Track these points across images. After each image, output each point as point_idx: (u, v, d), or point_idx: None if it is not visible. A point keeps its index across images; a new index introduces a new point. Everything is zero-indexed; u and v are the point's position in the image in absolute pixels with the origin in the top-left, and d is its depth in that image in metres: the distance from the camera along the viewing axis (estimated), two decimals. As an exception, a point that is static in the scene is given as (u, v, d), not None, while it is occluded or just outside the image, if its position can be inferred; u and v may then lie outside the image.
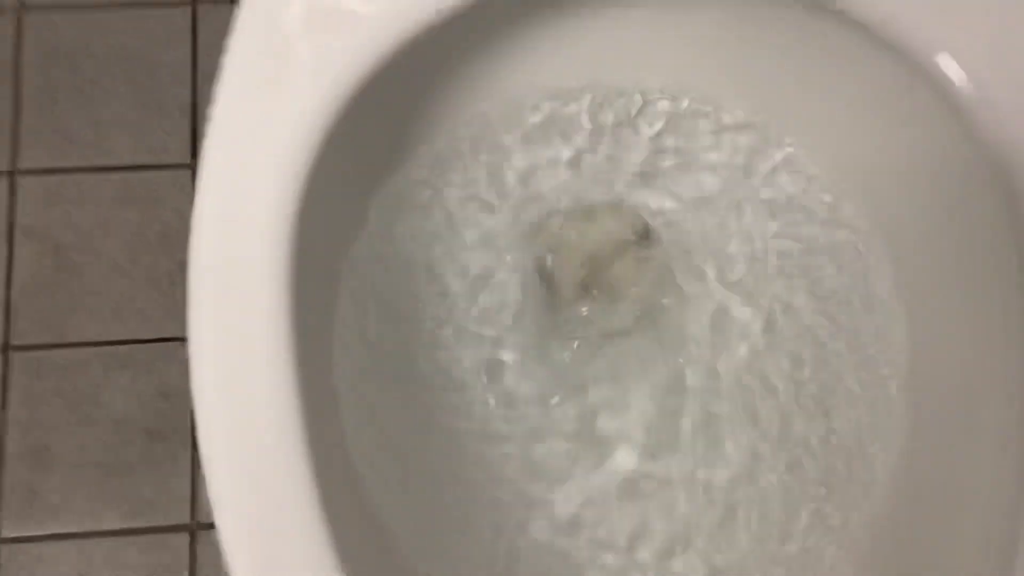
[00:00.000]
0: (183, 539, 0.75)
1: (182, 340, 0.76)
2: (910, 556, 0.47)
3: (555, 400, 0.53)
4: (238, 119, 0.40)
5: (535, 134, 0.55)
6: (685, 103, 0.53)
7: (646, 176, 0.55)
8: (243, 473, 0.38)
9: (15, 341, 0.78)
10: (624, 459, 0.52)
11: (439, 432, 0.52)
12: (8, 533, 0.74)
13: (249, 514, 0.38)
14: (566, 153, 0.55)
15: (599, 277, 0.57)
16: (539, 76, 0.53)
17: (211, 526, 0.73)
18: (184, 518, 0.76)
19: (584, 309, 0.55)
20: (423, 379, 0.52)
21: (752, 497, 0.52)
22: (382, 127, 0.48)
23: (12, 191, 0.81)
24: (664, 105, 0.54)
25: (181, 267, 0.80)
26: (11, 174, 0.81)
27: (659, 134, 0.54)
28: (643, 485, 0.52)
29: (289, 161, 0.40)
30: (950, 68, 0.40)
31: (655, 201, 0.55)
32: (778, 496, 0.51)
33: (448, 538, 0.50)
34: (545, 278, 0.57)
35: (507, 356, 0.54)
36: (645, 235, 0.56)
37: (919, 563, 0.46)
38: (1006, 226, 0.39)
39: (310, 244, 0.42)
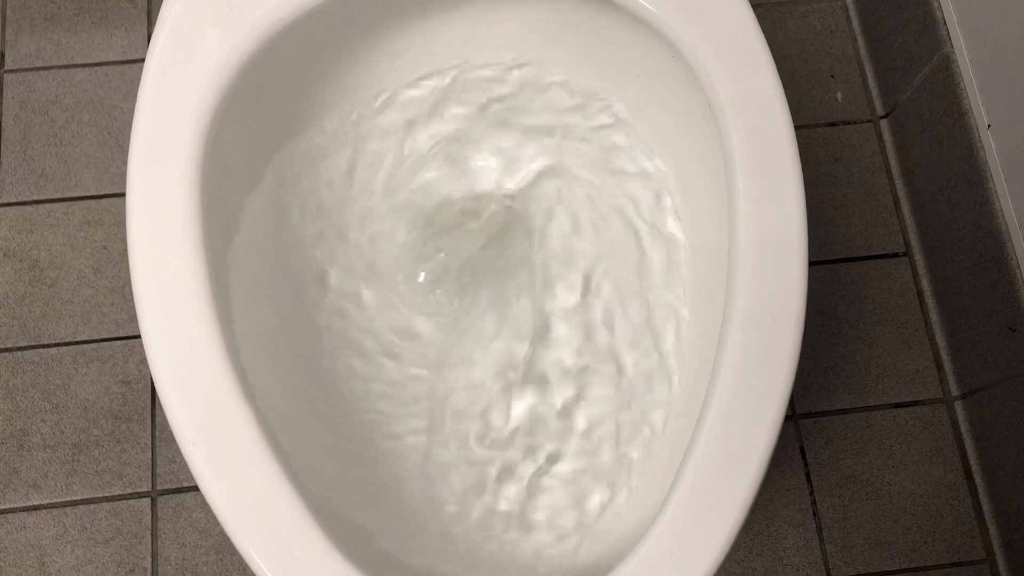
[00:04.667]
0: (145, 504, 0.87)
1: (140, 337, 0.90)
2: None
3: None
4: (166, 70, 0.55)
5: (417, 109, 0.70)
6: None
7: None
8: (167, 328, 0.51)
9: (-2, 345, 0.91)
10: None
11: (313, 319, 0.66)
12: (-7, 506, 0.86)
13: (168, 344, 0.51)
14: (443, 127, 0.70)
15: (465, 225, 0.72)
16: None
17: (169, 492, 0.86)
18: (146, 486, 0.88)
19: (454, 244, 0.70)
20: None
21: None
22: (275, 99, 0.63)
23: (-5, 220, 0.95)
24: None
25: (140, 277, 0.94)
26: (-6, 207, 0.96)
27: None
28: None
29: (198, 112, 0.54)
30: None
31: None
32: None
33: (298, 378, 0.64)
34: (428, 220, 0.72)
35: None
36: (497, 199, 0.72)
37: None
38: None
39: (217, 182, 0.56)
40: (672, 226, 0.66)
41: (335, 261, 0.68)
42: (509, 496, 0.65)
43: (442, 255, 0.69)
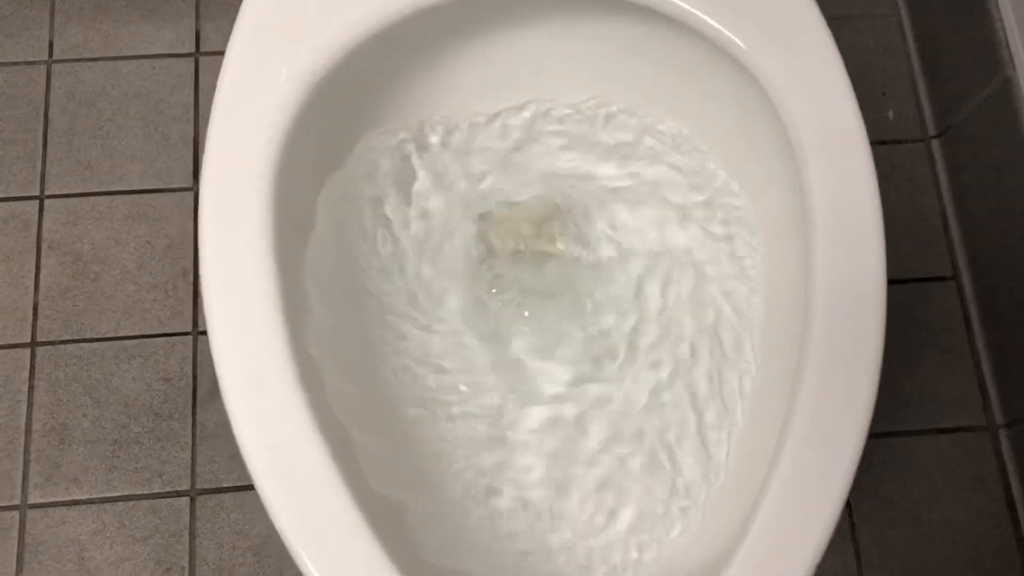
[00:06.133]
0: (184, 503, 0.87)
1: (183, 335, 0.91)
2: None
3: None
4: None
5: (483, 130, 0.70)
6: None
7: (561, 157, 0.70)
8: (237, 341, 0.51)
9: (40, 338, 0.91)
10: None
11: (381, 335, 0.66)
12: (35, 500, 0.86)
13: (238, 362, 0.51)
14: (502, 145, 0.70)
15: (525, 247, 0.71)
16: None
17: (208, 491, 0.86)
18: (185, 485, 0.88)
19: (511, 270, 0.70)
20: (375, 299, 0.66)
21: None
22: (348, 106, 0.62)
23: (40, 212, 0.95)
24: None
25: (183, 273, 0.94)
26: (39, 198, 0.95)
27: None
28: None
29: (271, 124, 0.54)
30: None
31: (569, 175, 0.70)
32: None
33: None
34: (485, 245, 0.71)
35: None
36: (555, 213, 0.71)
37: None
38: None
39: (291, 184, 0.55)
40: (749, 271, 0.65)
41: (400, 277, 0.67)
42: (553, 514, 0.64)
43: (504, 276, 0.69)
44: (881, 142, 1.01)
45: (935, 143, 1.01)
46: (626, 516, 0.64)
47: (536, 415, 0.65)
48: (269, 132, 0.54)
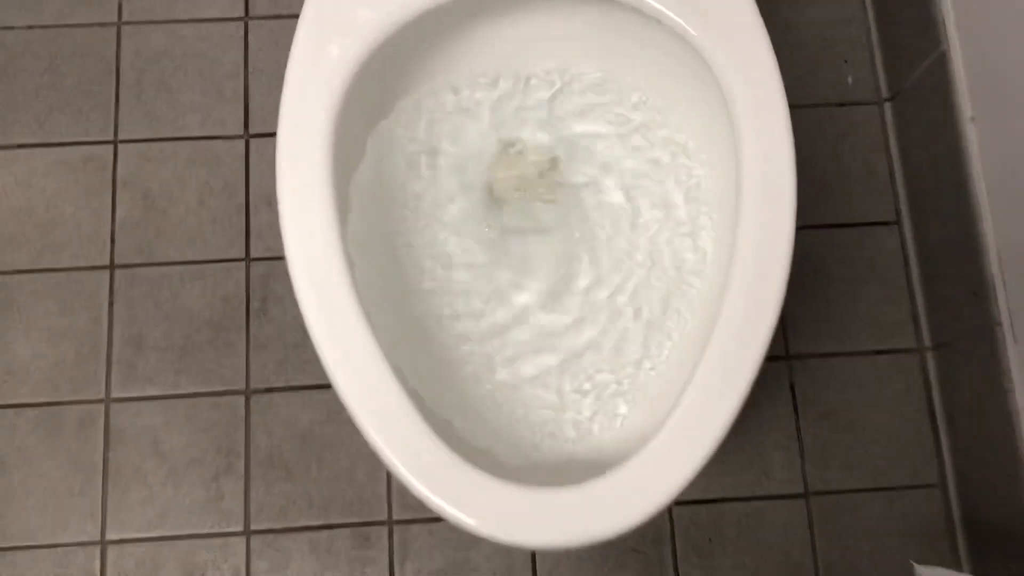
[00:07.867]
0: (240, 400, 1.04)
1: (237, 260, 1.07)
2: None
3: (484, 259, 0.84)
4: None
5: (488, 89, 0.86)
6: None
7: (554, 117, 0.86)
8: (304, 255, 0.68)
9: (118, 261, 1.08)
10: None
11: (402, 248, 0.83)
12: (116, 395, 1.04)
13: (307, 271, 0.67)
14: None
15: (528, 190, 0.87)
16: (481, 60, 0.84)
17: (260, 391, 1.04)
18: (241, 385, 1.05)
19: (515, 208, 0.86)
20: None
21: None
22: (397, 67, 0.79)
23: (115, 155, 1.11)
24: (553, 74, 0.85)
25: (238, 209, 1.10)
26: (114, 143, 1.11)
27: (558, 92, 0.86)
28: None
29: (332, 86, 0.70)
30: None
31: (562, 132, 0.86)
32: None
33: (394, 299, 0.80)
34: (490, 189, 0.88)
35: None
36: (555, 164, 0.87)
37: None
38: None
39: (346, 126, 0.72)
40: (711, 217, 0.81)
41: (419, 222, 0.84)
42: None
43: (509, 211, 0.85)
44: (841, 104, 1.16)
45: (887, 106, 1.15)
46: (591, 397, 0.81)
47: (535, 318, 0.82)
48: (332, 86, 0.69)
